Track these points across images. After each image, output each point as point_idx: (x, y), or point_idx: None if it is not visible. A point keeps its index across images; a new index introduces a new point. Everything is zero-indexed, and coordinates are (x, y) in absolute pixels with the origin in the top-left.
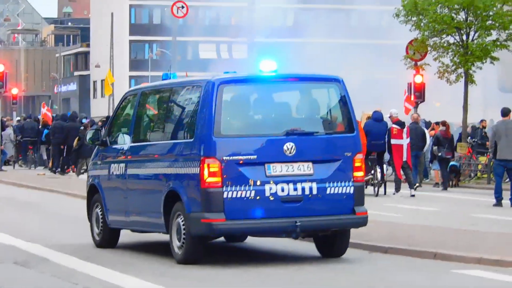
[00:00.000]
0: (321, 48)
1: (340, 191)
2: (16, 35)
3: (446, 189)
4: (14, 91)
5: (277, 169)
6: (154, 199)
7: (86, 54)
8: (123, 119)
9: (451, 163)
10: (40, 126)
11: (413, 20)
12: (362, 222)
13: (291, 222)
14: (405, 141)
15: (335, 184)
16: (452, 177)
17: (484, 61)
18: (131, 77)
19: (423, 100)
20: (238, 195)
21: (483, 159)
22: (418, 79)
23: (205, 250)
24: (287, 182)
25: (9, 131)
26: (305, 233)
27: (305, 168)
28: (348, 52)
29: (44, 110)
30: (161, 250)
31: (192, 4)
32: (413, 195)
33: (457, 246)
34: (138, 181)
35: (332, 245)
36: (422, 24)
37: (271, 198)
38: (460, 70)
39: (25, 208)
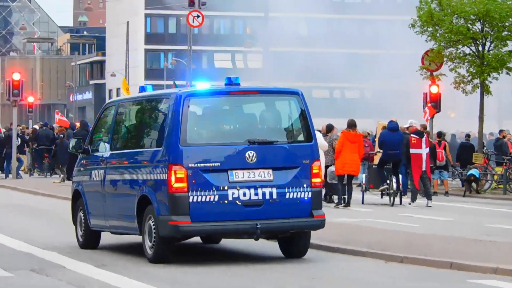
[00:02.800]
0: (334, 57)
1: (298, 196)
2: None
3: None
4: (30, 99)
5: (239, 175)
6: (128, 203)
7: (102, 63)
8: (103, 129)
9: (470, 172)
10: (55, 134)
11: (429, 30)
12: (320, 224)
13: (252, 224)
14: (424, 151)
15: (294, 189)
16: (468, 186)
17: (500, 71)
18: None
19: (439, 111)
20: (203, 199)
21: (499, 170)
22: (434, 89)
23: (177, 250)
24: (249, 187)
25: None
26: (265, 234)
27: (266, 174)
28: (362, 62)
29: (57, 116)
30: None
31: (207, 14)
32: (430, 206)
33: (473, 256)
34: (115, 187)
35: (293, 246)
36: (438, 34)
37: (234, 202)
38: (476, 81)
39: (41, 216)
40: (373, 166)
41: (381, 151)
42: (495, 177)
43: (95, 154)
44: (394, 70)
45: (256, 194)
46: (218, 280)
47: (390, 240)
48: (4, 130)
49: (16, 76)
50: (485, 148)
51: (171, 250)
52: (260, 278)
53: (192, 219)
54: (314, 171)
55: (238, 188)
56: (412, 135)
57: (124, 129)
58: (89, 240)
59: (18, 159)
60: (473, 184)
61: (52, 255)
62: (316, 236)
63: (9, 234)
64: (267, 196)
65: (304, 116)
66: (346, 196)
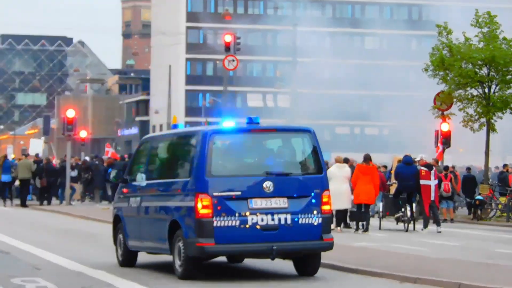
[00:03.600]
0: (355, 98)
1: (310, 221)
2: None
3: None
4: (83, 134)
5: (258, 203)
6: (161, 227)
7: (147, 102)
8: (140, 161)
9: (477, 197)
10: (105, 165)
11: (440, 74)
12: (328, 246)
13: (269, 246)
14: (432, 182)
15: (306, 215)
16: (478, 210)
17: (505, 111)
18: (186, 123)
19: (449, 146)
20: (226, 224)
21: (503, 199)
22: (445, 127)
23: (205, 268)
24: (266, 213)
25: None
26: (281, 255)
27: (281, 202)
28: (381, 103)
29: (111, 149)
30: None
31: (241, 58)
32: (439, 232)
33: (479, 277)
34: (149, 212)
35: (306, 265)
36: (448, 78)
37: (253, 227)
38: (483, 120)
39: (90, 238)
40: (389, 196)
41: (396, 182)
42: (499, 206)
43: (133, 183)
44: (409, 110)
45: (273, 219)
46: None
47: (405, 263)
48: (59, 161)
49: (70, 113)
50: (490, 180)
51: (198, 269)
52: None
53: (216, 241)
54: (324, 199)
55: (257, 214)
56: (422, 167)
57: (158, 162)
58: (127, 259)
59: (72, 188)
60: (478, 211)
61: (100, 273)
62: (338, 259)
63: (62, 254)
64: (282, 222)
65: (315, 151)
66: (364, 223)
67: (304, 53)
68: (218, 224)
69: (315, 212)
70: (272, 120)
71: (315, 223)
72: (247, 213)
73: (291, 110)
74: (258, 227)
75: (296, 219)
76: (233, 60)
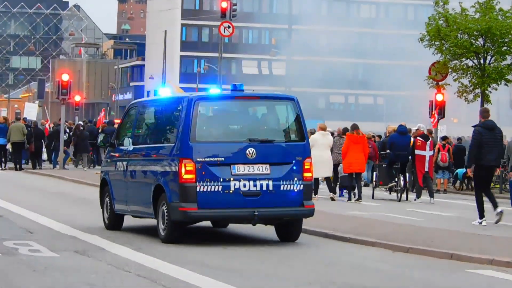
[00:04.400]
0: (350, 67)
1: (291, 188)
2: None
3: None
4: (77, 98)
5: (240, 169)
6: (146, 191)
7: (141, 67)
8: (127, 126)
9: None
10: (100, 130)
11: (436, 44)
12: (309, 213)
13: (251, 211)
14: (427, 153)
15: (287, 182)
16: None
17: (499, 83)
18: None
19: (443, 117)
20: (209, 189)
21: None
22: (439, 97)
23: (190, 232)
24: (248, 179)
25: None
26: (262, 221)
27: (263, 169)
28: (376, 72)
29: (101, 114)
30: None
31: (237, 25)
32: (432, 203)
33: (471, 248)
34: (135, 177)
35: (287, 231)
36: (444, 48)
37: (235, 192)
38: (478, 91)
39: (84, 203)
40: (383, 165)
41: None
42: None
43: (120, 148)
44: (404, 79)
45: (255, 185)
46: (220, 259)
47: (397, 232)
48: (53, 125)
49: (65, 77)
50: None
51: (181, 233)
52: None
53: (199, 206)
54: (306, 166)
55: (239, 180)
56: (418, 137)
57: (144, 127)
58: (114, 223)
59: (65, 152)
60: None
61: (93, 238)
62: (331, 227)
63: (56, 218)
64: (264, 188)
65: (299, 119)
66: (356, 192)
67: (300, 21)
68: (201, 189)
69: (296, 179)
70: (267, 87)
71: (297, 190)
72: (230, 179)
73: (286, 78)
74: (240, 192)
75: (278, 186)
76: (229, 27)
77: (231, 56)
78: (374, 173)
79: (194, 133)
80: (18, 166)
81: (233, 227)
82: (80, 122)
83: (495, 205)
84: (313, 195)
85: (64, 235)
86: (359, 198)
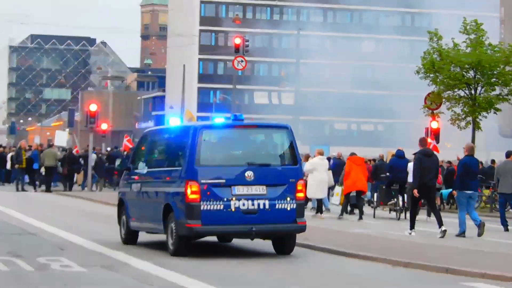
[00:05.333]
0: (352, 97)
1: (285, 207)
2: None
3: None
4: (104, 126)
5: (240, 190)
6: (157, 210)
7: (162, 98)
8: (141, 151)
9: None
10: (125, 155)
11: (431, 76)
12: (301, 228)
13: (249, 227)
14: None
15: (282, 201)
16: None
17: (489, 111)
18: (198, 117)
19: (438, 142)
20: (211, 208)
21: (487, 192)
22: (434, 125)
23: (193, 246)
24: (247, 199)
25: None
26: (259, 236)
27: (260, 189)
28: (376, 101)
29: (124, 140)
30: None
31: (250, 59)
32: (429, 221)
33: (465, 263)
34: (148, 197)
35: (283, 245)
36: (438, 80)
37: (235, 210)
38: (469, 118)
39: (110, 221)
40: (383, 187)
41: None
42: (484, 198)
43: (135, 171)
44: (402, 108)
45: (253, 204)
46: (233, 272)
47: (396, 248)
48: (83, 151)
49: (93, 107)
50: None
51: (188, 247)
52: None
53: (203, 222)
54: (299, 187)
55: (239, 199)
56: None
57: (156, 152)
58: (130, 238)
59: (93, 176)
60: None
61: (119, 254)
62: (335, 243)
63: (84, 236)
64: (261, 206)
65: (292, 145)
66: (355, 210)
67: (307, 55)
68: (205, 208)
69: (290, 198)
70: (277, 116)
71: (290, 208)
72: (231, 199)
73: (294, 107)
74: (239, 210)
75: (273, 204)
76: (242, 61)
77: (244, 87)
78: (375, 194)
79: (199, 158)
80: (49, 189)
81: (237, 241)
82: (108, 148)
83: (440, 223)
84: (317, 213)
85: (92, 251)
86: (361, 217)
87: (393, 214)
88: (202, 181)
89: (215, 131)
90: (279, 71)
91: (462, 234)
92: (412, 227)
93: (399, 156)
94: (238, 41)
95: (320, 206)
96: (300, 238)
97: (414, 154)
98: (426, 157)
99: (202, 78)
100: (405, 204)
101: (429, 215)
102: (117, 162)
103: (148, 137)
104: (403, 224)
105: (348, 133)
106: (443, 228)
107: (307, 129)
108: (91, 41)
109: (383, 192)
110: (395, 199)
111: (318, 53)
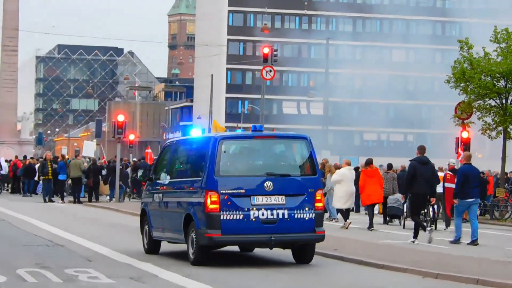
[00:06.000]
0: (383, 107)
1: (304, 216)
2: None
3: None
4: (131, 137)
5: (259, 200)
6: (178, 219)
7: (190, 108)
8: (163, 162)
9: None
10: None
11: (461, 86)
12: (320, 238)
13: (268, 237)
14: None
15: (301, 211)
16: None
17: None
18: (226, 128)
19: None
20: (231, 217)
21: None
22: (465, 135)
23: (214, 255)
24: (266, 209)
25: (128, 170)
26: (278, 245)
27: (280, 199)
28: (407, 111)
29: (148, 151)
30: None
31: (278, 69)
32: (446, 230)
33: (496, 274)
34: (169, 207)
35: (303, 255)
36: (468, 89)
37: (254, 220)
38: (500, 128)
39: (137, 232)
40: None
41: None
42: None
43: (158, 181)
44: (432, 118)
45: (272, 214)
46: (253, 282)
47: (427, 259)
48: (111, 161)
49: (120, 118)
50: (506, 184)
51: (208, 256)
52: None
53: (223, 232)
54: (317, 197)
55: (258, 209)
56: (448, 172)
57: (177, 163)
58: (152, 247)
59: (121, 186)
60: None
61: (147, 265)
62: (365, 254)
63: (112, 247)
64: (280, 216)
65: (311, 156)
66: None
67: (336, 65)
68: (225, 218)
69: (308, 208)
70: (305, 126)
71: (309, 218)
72: (250, 208)
73: (323, 117)
74: (259, 220)
75: (292, 214)
76: (270, 71)
77: (272, 97)
78: (405, 204)
79: (219, 168)
80: (76, 200)
81: (259, 251)
82: (135, 159)
83: (415, 234)
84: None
85: (120, 262)
86: (371, 226)
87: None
88: (222, 191)
89: (234, 141)
90: (308, 80)
91: (457, 241)
92: (415, 235)
93: (422, 162)
94: (266, 50)
95: (347, 215)
96: (330, 249)
97: (410, 161)
98: (421, 165)
99: (230, 88)
100: (436, 215)
101: (447, 225)
102: (139, 172)
103: (170, 148)
104: (432, 235)
105: (378, 143)
106: (416, 241)
107: (336, 139)
108: (119, 51)
109: (412, 202)
110: (425, 210)
111: (347, 63)
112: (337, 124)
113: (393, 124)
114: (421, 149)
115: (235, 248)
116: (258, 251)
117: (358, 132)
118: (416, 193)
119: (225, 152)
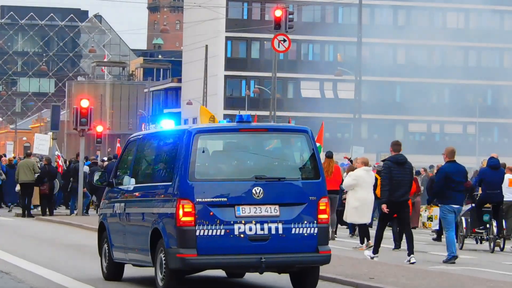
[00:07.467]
0: (435, 89)
1: (304, 232)
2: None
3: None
4: (99, 129)
5: (245, 210)
6: (142, 236)
7: (177, 90)
8: (126, 163)
9: None
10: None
11: None
12: (325, 259)
13: (257, 258)
14: None
15: (300, 225)
16: None
17: None
18: (225, 116)
19: None
20: (209, 233)
21: None
22: None
23: (192, 282)
24: (255, 222)
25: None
26: (271, 268)
27: (272, 210)
28: (466, 94)
29: (118, 145)
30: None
31: (294, 38)
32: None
33: None
34: (132, 220)
35: (303, 280)
36: None
37: (240, 236)
38: None
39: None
40: (474, 208)
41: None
42: None
43: (119, 187)
44: (501, 103)
45: (262, 229)
46: None
47: None
48: (72, 161)
49: (84, 103)
50: None
51: (181, 283)
52: None
53: (199, 252)
54: (321, 207)
55: (244, 223)
56: (510, 175)
57: (143, 163)
58: (113, 272)
59: (85, 194)
60: None
61: None
62: (411, 286)
63: (72, 275)
64: (273, 231)
65: (312, 154)
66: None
67: (372, 33)
68: (201, 233)
69: (310, 221)
70: (331, 114)
71: (310, 234)
72: (234, 222)
73: (355, 102)
74: (245, 237)
75: (288, 229)
76: (284, 40)
77: (287, 76)
78: (463, 218)
79: (194, 171)
80: (26, 212)
81: (250, 276)
82: (105, 158)
83: (410, 251)
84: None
85: None
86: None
87: (486, 244)
88: (198, 199)
89: (214, 135)
90: (334, 54)
91: (451, 259)
92: (375, 251)
93: (492, 166)
94: (278, 13)
95: (365, 234)
96: (364, 278)
97: (383, 161)
98: (397, 166)
99: (230, 63)
100: (504, 231)
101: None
102: (96, 176)
103: (135, 144)
104: (500, 258)
105: (428, 136)
106: (412, 259)
107: (372, 131)
108: (82, 15)
109: (475, 215)
110: (488, 225)
111: (387, 30)
112: (373, 112)
113: (449, 112)
114: (396, 145)
115: (221, 272)
116: (249, 276)
117: (401, 121)
118: (391, 200)
119: (202, 149)
